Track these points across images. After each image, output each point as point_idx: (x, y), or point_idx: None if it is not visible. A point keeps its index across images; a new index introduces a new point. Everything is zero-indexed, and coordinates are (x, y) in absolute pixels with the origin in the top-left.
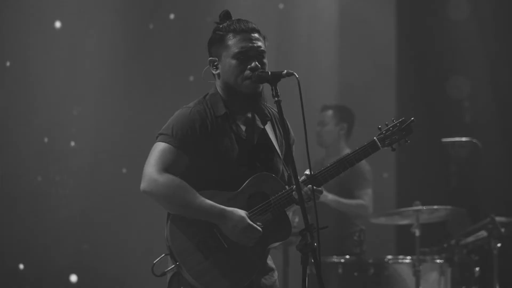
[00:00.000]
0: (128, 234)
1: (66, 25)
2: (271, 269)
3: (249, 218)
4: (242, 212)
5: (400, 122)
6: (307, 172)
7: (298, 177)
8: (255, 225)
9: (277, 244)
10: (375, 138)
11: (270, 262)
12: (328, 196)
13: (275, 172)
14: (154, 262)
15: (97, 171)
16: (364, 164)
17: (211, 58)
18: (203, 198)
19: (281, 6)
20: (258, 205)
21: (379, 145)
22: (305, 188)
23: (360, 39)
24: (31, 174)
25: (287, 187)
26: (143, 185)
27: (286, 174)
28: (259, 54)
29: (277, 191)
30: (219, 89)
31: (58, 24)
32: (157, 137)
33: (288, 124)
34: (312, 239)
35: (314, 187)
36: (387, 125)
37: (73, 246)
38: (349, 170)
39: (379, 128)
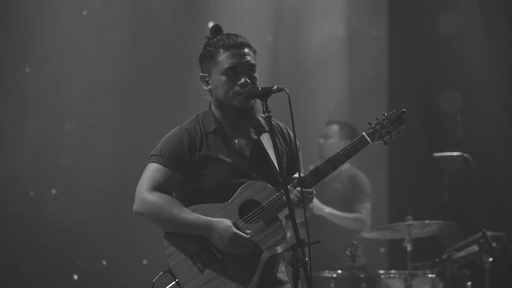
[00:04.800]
0: (122, 250)
1: (57, 42)
2: (281, 282)
3: (240, 226)
4: (227, 221)
5: (390, 115)
6: (297, 175)
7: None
8: (241, 233)
9: (280, 250)
10: (364, 133)
11: (281, 274)
12: (325, 209)
13: (271, 181)
14: (154, 280)
15: (89, 186)
16: (363, 179)
17: (202, 74)
18: (189, 212)
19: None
20: (249, 213)
21: (368, 139)
22: (295, 191)
23: (352, 53)
24: (23, 190)
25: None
26: (135, 206)
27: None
28: (249, 69)
29: (269, 198)
30: (212, 105)
31: (50, 42)
32: (150, 158)
33: (291, 133)
34: (303, 254)
35: (304, 189)
36: (377, 119)
37: (66, 263)
38: (348, 183)
39: (369, 123)
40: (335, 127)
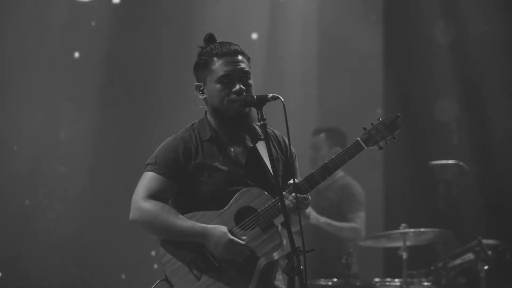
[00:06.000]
0: (118, 258)
1: (54, 50)
2: None
3: (236, 232)
4: (223, 228)
5: (385, 120)
6: (292, 181)
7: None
8: (237, 239)
9: (276, 257)
10: (358, 138)
11: (278, 282)
12: (320, 219)
13: (267, 188)
14: None
15: (85, 194)
16: (357, 188)
17: (197, 83)
18: (184, 219)
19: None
20: (245, 220)
21: (363, 145)
22: (290, 197)
23: (347, 62)
24: (19, 198)
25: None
26: (131, 215)
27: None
28: (243, 76)
29: (265, 205)
30: (208, 114)
31: (45, 51)
32: (145, 167)
33: (287, 141)
34: (298, 262)
35: (299, 195)
36: (372, 124)
37: (62, 270)
38: (342, 193)
39: (364, 128)
40: (322, 136)
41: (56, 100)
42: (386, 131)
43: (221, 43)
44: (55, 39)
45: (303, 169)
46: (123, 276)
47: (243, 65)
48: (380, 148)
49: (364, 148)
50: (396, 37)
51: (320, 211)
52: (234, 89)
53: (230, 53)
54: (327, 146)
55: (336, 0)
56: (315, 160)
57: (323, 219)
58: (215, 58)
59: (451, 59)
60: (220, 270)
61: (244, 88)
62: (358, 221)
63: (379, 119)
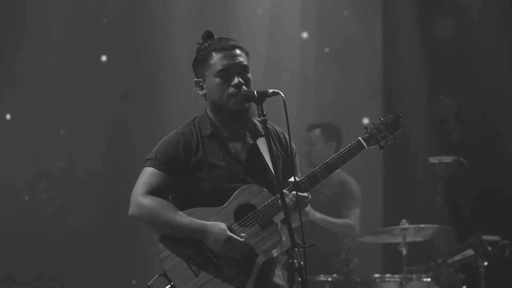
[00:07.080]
0: (117, 254)
1: (52, 46)
2: (277, 286)
3: (235, 229)
4: (222, 225)
5: (386, 119)
6: (292, 179)
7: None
8: (236, 236)
9: (275, 254)
10: (360, 138)
11: (277, 278)
12: (316, 215)
13: (266, 185)
14: (149, 284)
15: (84, 190)
16: (353, 184)
17: (196, 79)
18: (183, 216)
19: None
20: (245, 217)
21: (364, 144)
22: (290, 195)
23: (347, 57)
24: (18, 194)
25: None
26: (130, 210)
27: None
28: (242, 70)
29: (264, 202)
30: (208, 109)
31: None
32: (145, 162)
33: (287, 137)
34: (298, 258)
35: (299, 193)
36: (373, 124)
37: (60, 266)
38: (338, 189)
39: (366, 128)
40: (317, 132)
41: (56, 97)
42: (387, 130)
43: (219, 38)
44: (54, 36)
45: (301, 165)
46: (134, 282)
47: (241, 59)
48: (381, 148)
49: (365, 147)
50: (396, 34)
51: (316, 207)
52: (233, 83)
53: (228, 47)
54: (322, 141)
55: None
56: (310, 155)
57: (318, 215)
58: (213, 53)
59: (451, 55)
60: (218, 267)
61: (243, 81)
62: (353, 218)
63: (380, 119)
